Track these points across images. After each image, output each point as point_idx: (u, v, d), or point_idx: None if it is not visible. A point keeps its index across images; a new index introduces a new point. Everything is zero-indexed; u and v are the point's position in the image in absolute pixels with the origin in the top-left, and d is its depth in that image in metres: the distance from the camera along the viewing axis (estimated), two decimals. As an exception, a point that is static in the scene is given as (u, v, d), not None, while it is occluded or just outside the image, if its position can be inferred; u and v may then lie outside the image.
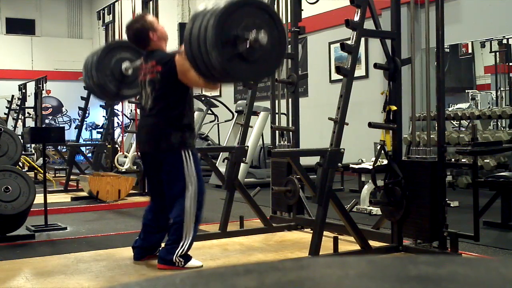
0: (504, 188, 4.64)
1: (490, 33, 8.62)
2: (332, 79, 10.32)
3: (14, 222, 4.56)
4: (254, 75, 3.14)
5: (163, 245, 3.61)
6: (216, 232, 4.52)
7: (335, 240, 3.72)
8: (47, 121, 18.75)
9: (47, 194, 5.05)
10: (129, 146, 10.52)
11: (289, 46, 5.11)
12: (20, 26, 19.48)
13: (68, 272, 3.51)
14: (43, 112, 13.70)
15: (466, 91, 11.25)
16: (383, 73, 4.05)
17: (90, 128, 17.87)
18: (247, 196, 4.69)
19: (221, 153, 8.38)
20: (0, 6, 19.21)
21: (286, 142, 4.98)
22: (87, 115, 11.34)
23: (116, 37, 8.88)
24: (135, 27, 3.61)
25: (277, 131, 5.18)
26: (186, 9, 14.88)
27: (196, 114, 10.21)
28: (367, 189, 5.69)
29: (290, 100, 5.10)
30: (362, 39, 3.90)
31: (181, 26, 14.65)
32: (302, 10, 5.05)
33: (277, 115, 5.20)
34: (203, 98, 10.28)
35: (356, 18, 3.73)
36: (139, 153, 3.81)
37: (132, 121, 10.63)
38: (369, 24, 3.85)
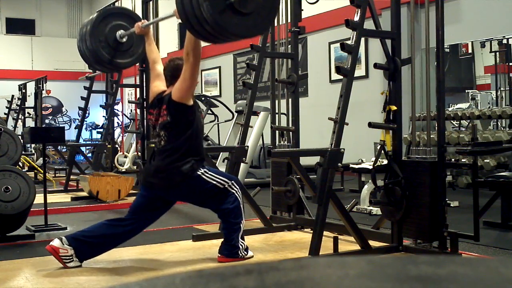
0: (504, 188, 4.64)
1: (490, 33, 8.62)
2: (332, 79, 10.32)
3: (14, 222, 4.56)
4: (247, 29, 3.07)
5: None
6: (216, 232, 4.51)
7: (335, 240, 3.72)
8: (47, 121, 18.75)
9: (47, 194, 5.05)
10: (129, 146, 10.53)
11: (289, 46, 5.12)
12: (20, 26, 19.48)
13: (68, 272, 3.51)
14: (43, 112, 13.70)
15: (466, 91, 11.25)
16: (383, 73, 4.05)
17: (90, 128, 17.87)
18: (247, 196, 4.69)
19: (221, 153, 8.38)
20: (0, 6, 19.22)
21: (286, 142, 4.98)
22: (87, 115, 11.35)
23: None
24: (176, 62, 3.65)
25: (277, 131, 5.18)
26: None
27: (196, 114, 10.19)
28: (367, 189, 5.69)
29: (290, 100, 5.10)
30: (362, 39, 3.90)
31: (181, 26, 14.67)
32: (302, 10, 5.05)
33: (277, 115, 5.20)
34: (203, 98, 10.28)
35: (356, 18, 3.73)
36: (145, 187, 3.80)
37: (132, 121, 10.63)
38: (369, 24, 3.85)
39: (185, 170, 3.55)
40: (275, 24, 5.16)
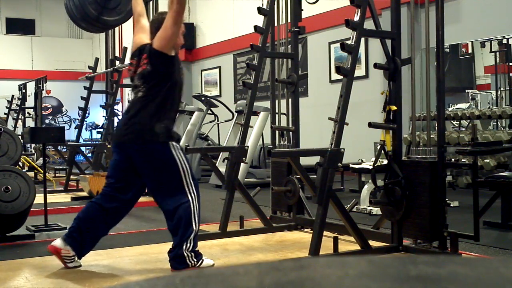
0: (504, 188, 4.64)
1: (490, 33, 8.62)
2: (332, 79, 10.32)
3: (14, 222, 4.56)
4: None
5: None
6: (216, 232, 4.52)
7: (335, 240, 3.72)
8: (47, 121, 18.75)
9: (47, 194, 5.05)
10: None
11: (289, 46, 5.12)
12: (20, 26, 19.48)
13: (68, 272, 3.51)
14: (43, 112, 13.70)
15: (466, 91, 11.25)
16: (383, 73, 4.05)
17: (90, 128, 17.87)
18: (247, 196, 4.69)
19: (221, 153, 8.38)
20: (0, 6, 19.21)
21: (286, 142, 4.98)
22: (87, 115, 11.35)
23: (116, 37, 8.89)
24: (164, 15, 3.52)
25: (277, 131, 5.18)
26: (186, 9, 14.87)
27: (196, 114, 10.21)
28: (367, 189, 5.69)
29: (290, 100, 5.10)
30: (362, 39, 3.90)
31: (181, 26, 14.66)
32: (302, 10, 5.05)
33: (277, 115, 5.20)
34: (203, 98, 10.28)
35: (356, 18, 3.73)
36: (112, 144, 3.61)
37: (132, 121, 10.61)
38: (369, 24, 3.85)
39: (157, 129, 3.40)
40: (275, 24, 5.16)
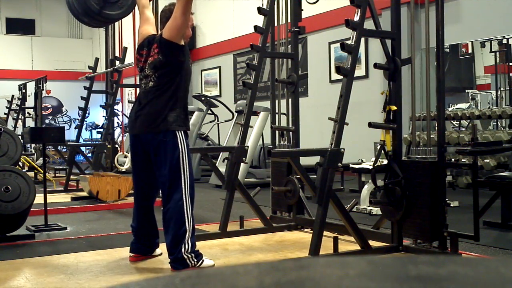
0: (504, 188, 4.64)
1: (490, 33, 8.62)
2: (332, 79, 10.32)
3: (14, 222, 4.56)
4: None
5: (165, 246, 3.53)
6: (216, 232, 4.52)
7: (335, 240, 3.72)
8: (47, 121, 18.75)
9: (47, 194, 5.05)
10: (129, 146, 10.51)
11: (289, 46, 5.12)
12: (20, 26, 19.48)
13: (68, 272, 3.51)
14: (43, 112, 13.70)
15: (466, 91, 11.25)
16: (383, 73, 4.05)
17: (90, 128, 17.87)
18: (247, 196, 4.69)
19: (221, 153, 8.38)
20: (0, 6, 19.21)
21: (286, 142, 4.98)
22: (87, 115, 11.35)
23: (116, 37, 8.88)
24: (173, 7, 3.54)
25: (277, 131, 5.18)
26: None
27: (196, 114, 10.21)
28: (367, 189, 5.69)
29: (290, 100, 5.10)
30: (362, 39, 3.90)
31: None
32: (302, 10, 5.05)
33: (277, 115, 5.20)
34: (203, 98, 10.28)
35: (356, 18, 3.73)
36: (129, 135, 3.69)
37: (132, 121, 10.61)
38: (369, 24, 3.85)
39: (170, 118, 3.43)
40: (275, 24, 5.16)
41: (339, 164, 3.65)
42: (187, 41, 3.63)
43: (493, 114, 7.49)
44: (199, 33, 14.62)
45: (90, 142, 16.00)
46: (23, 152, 7.37)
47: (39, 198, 4.83)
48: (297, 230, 4.82)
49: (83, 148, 9.50)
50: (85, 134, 17.18)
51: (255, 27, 4.81)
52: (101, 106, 9.05)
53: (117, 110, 9.25)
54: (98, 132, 16.84)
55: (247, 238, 4.52)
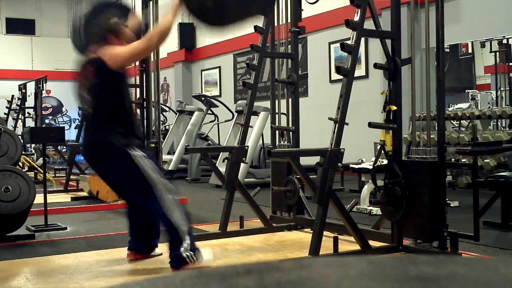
0: (504, 188, 4.64)
1: (490, 33, 8.62)
2: (332, 79, 10.32)
3: (14, 222, 4.56)
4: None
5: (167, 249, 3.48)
6: (216, 232, 4.52)
7: (335, 240, 3.72)
8: (47, 121, 18.75)
9: (47, 194, 5.05)
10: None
11: (289, 46, 5.12)
12: (20, 26, 19.48)
13: (68, 272, 3.51)
14: (43, 112, 13.70)
15: (466, 91, 11.26)
16: (383, 73, 4.05)
17: (90, 128, 17.85)
18: (247, 196, 4.69)
19: (221, 153, 8.38)
20: (0, 6, 19.21)
21: (286, 142, 4.98)
22: (87, 115, 11.32)
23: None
24: (119, 25, 3.48)
25: (277, 131, 5.18)
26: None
27: (196, 114, 10.22)
28: (367, 189, 5.69)
29: (290, 100, 5.10)
30: (362, 39, 3.90)
31: (181, 26, 14.66)
32: (302, 10, 5.05)
33: (277, 115, 5.20)
34: (203, 98, 10.28)
35: (356, 18, 3.73)
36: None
37: (132, 121, 10.63)
38: (369, 24, 3.85)
39: (115, 141, 3.34)
40: (275, 24, 5.16)
41: (339, 164, 3.65)
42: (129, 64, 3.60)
43: (493, 114, 7.49)
44: (199, 33, 14.62)
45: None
46: (23, 152, 7.37)
47: (39, 198, 4.83)
48: (297, 230, 4.81)
49: (83, 148, 9.49)
50: (85, 134, 17.15)
51: (255, 27, 4.81)
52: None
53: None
54: (98, 132, 16.81)
55: (247, 238, 4.52)
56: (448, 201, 3.72)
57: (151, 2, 7.20)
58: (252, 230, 4.69)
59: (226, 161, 4.78)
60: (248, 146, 4.84)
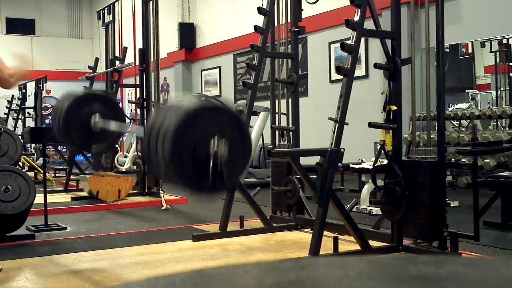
0: (504, 188, 4.64)
1: (490, 33, 8.62)
2: (332, 79, 10.32)
3: (14, 222, 4.56)
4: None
5: None
6: (216, 232, 4.52)
7: (335, 240, 3.72)
8: (47, 121, 18.75)
9: (47, 194, 5.04)
10: (129, 146, 10.53)
11: (289, 46, 5.12)
12: (20, 26, 19.48)
13: (68, 272, 3.51)
14: (43, 112, 13.69)
15: (466, 91, 11.25)
16: (383, 73, 4.05)
17: (90, 128, 17.86)
18: (247, 196, 4.69)
19: (221, 153, 8.36)
20: (0, 6, 19.21)
21: (286, 142, 4.98)
22: (87, 115, 11.32)
23: (116, 37, 8.88)
24: None
25: (277, 131, 5.18)
26: (186, 9, 14.88)
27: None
28: (367, 189, 5.69)
29: (290, 100, 5.10)
30: (362, 39, 3.90)
31: (181, 26, 14.67)
32: (302, 10, 5.05)
33: (277, 115, 5.20)
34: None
35: (356, 18, 3.73)
36: None
37: (132, 121, 10.63)
38: (369, 24, 3.85)
39: None
40: (275, 24, 5.16)
41: (339, 164, 3.65)
42: None
43: (493, 114, 7.49)
44: (199, 33, 14.62)
45: (90, 142, 15.98)
46: (23, 152, 7.37)
47: (39, 198, 4.83)
48: (297, 230, 4.81)
49: (83, 148, 9.48)
50: (85, 134, 17.16)
51: (255, 27, 4.81)
52: (101, 106, 9.03)
53: (117, 110, 9.23)
54: (98, 132, 16.82)
55: (247, 238, 4.52)
56: (448, 201, 3.72)
57: (151, 2, 7.20)
58: (252, 230, 4.68)
59: (226, 161, 4.77)
60: (248, 146, 4.83)
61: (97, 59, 9.39)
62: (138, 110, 7.70)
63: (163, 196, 6.47)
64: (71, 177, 8.24)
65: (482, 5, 8.03)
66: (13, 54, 3.56)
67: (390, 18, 4.03)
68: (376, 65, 3.96)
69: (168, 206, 6.33)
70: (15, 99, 12.98)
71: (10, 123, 12.43)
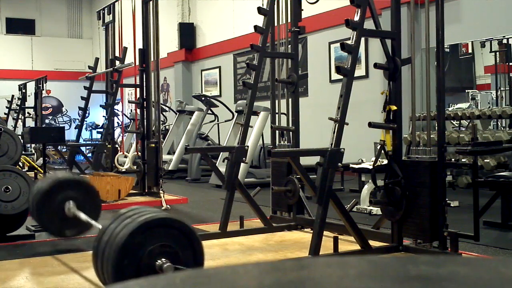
0: (504, 188, 4.64)
1: (490, 33, 8.62)
2: (332, 79, 10.32)
3: (14, 222, 4.56)
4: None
5: None
6: (216, 232, 4.51)
7: (335, 240, 3.72)
8: (47, 121, 18.75)
9: (47, 194, 5.04)
10: (129, 146, 10.53)
11: (289, 46, 5.12)
12: (20, 26, 19.49)
13: (68, 272, 3.51)
14: (43, 112, 13.70)
15: (466, 91, 11.25)
16: (383, 73, 4.05)
17: (90, 128, 17.88)
18: (247, 196, 4.69)
19: (221, 153, 8.38)
20: (0, 6, 19.21)
21: (286, 142, 4.98)
22: (87, 115, 11.35)
23: (116, 37, 8.88)
24: None
25: (277, 131, 5.17)
26: (186, 9, 14.88)
27: (196, 114, 10.22)
28: (367, 189, 5.69)
29: (290, 100, 5.10)
30: (362, 39, 3.90)
31: (181, 26, 14.67)
32: (302, 10, 5.05)
33: (277, 115, 5.20)
34: (203, 98, 10.28)
35: (356, 18, 3.73)
36: None
37: (132, 121, 10.64)
38: (369, 24, 3.85)
39: None
40: (275, 24, 5.16)
41: (339, 164, 3.65)
42: None
43: (493, 114, 7.49)
44: (199, 33, 14.62)
45: (90, 142, 16.00)
46: (23, 152, 7.37)
47: (39, 198, 4.82)
48: (297, 230, 4.81)
49: (83, 148, 9.51)
50: (85, 134, 17.18)
51: (255, 27, 4.81)
52: (101, 106, 9.05)
53: (117, 110, 9.25)
54: (98, 132, 16.84)
55: (247, 238, 4.52)
56: (448, 201, 3.72)
57: (151, 2, 7.20)
58: (252, 230, 4.68)
59: (226, 161, 4.78)
60: (248, 146, 4.84)
61: (97, 59, 9.39)
62: (138, 110, 7.70)
63: (163, 196, 6.47)
64: (71, 177, 8.23)
65: (482, 5, 8.03)
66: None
67: (390, 18, 4.03)
68: (376, 65, 3.96)
69: (168, 206, 6.34)
70: (15, 99, 12.98)
71: (10, 123, 12.43)
